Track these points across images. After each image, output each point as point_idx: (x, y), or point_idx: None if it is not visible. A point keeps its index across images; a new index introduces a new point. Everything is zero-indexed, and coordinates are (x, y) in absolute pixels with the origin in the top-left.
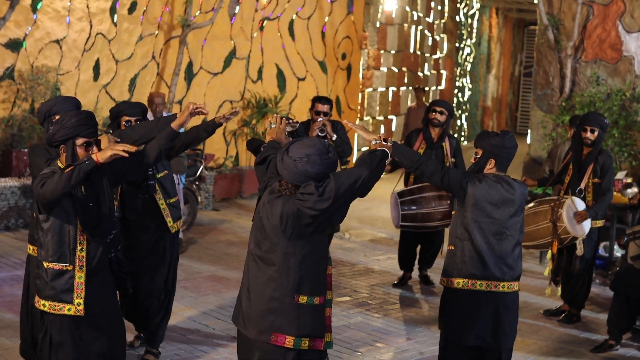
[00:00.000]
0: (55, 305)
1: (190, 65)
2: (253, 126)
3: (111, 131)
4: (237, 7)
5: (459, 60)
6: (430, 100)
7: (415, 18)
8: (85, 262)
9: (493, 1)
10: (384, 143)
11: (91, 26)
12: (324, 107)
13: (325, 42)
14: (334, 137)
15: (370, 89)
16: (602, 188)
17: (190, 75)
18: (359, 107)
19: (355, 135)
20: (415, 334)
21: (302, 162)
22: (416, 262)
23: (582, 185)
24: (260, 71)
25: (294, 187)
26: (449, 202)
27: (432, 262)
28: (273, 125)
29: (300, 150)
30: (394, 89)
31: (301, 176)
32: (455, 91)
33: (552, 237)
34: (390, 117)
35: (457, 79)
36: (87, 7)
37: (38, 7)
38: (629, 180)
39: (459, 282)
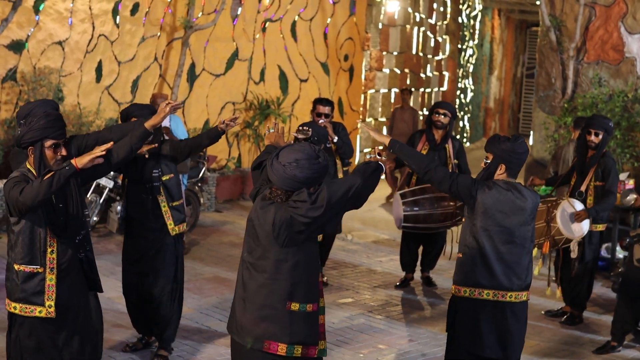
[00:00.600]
0: (26, 308)
1: (192, 66)
2: (255, 128)
3: None
4: (240, 9)
5: (462, 62)
6: (418, 102)
7: (417, 19)
8: (55, 264)
9: (495, 2)
10: (378, 157)
11: (93, 28)
12: (325, 109)
13: (327, 44)
14: (335, 138)
15: (372, 91)
16: (606, 190)
17: (192, 77)
18: (361, 109)
19: (357, 137)
20: (417, 336)
21: (291, 167)
22: (418, 263)
23: (583, 188)
24: (262, 73)
25: (284, 193)
26: (451, 203)
27: (434, 264)
28: (271, 130)
29: (289, 155)
30: (397, 90)
31: (290, 181)
32: (458, 92)
33: (545, 237)
34: None
35: (460, 80)
36: (90, 8)
37: (40, 8)
38: (631, 182)
39: (466, 291)
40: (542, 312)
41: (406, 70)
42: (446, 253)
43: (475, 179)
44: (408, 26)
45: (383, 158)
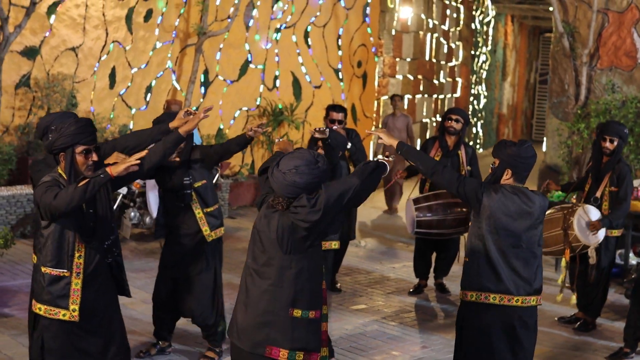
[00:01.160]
0: (50, 310)
1: (206, 73)
2: (269, 134)
3: None
4: (253, 15)
5: (475, 68)
6: (431, 109)
7: (430, 26)
8: (82, 269)
9: (508, 9)
10: (384, 159)
11: (107, 34)
12: (338, 115)
13: (340, 50)
14: (349, 145)
15: (385, 97)
16: (619, 197)
17: (206, 83)
18: (374, 115)
19: (370, 143)
20: (430, 342)
21: (291, 173)
22: (432, 270)
23: (598, 194)
24: (275, 79)
25: (285, 201)
26: (464, 209)
27: (447, 270)
28: (281, 139)
29: (289, 162)
30: (410, 96)
31: (290, 187)
32: (471, 99)
33: (563, 245)
34: None
35: (473, 86)
36: (103, 15)
37: (54, 14)
38: None
39: (472, 295)
40: (555, 319)
41: (419, 77)
42: (460, 259)
43: (482, 182)
44: (421, 32)
45: (390, 159)
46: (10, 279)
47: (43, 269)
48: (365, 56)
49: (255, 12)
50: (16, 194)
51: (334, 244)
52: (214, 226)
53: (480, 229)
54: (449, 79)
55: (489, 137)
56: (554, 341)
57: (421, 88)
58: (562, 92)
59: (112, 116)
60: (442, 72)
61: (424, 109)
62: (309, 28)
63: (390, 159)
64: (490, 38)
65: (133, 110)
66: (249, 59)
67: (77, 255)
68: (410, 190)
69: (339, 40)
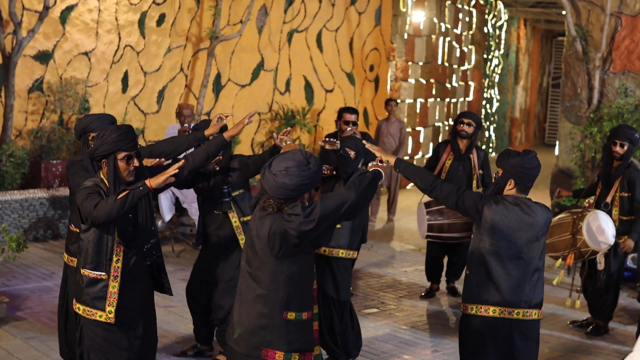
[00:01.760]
0: (88, 310)
1: (218, 77)
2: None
3: None
4: (265, 19)
5: (487, 72)
6: (443, 112)
7: (443, 30)
8: (120, 272)
9: (521, 12)
10: (380, 164)
11: (120, 38)
12: (351, 117)
13: (353, 54)
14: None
15: (398, 101)
16: (635, 205)
17: (218, 87)
18: None
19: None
20: (442, 346)
21: (281, 174)
22: (443, 273)
23: (609, 199)
24: (288, 83)
25: (277, 202)
26: None
27: (459, 274)
28: (289, 142)
29: (280, 163)
30: (422, 100)
31: (281, 189)
32: (484, 102)
33: (570, 250)
34: (418, 128)
35: (485, 90)
36: (116, 19)
37: (67, 19)
38: None
39: (472, 308)
40: (568, 323)
41: (432, 81)
42: None
43: (482, 194)
44: (434, 36)
45: (385, 164)
46: (23, 283)
47: (82, 271)
48: (377, 60)
49: (267, 16)
50: (29, 197)
51: (342, 252)
52: None
53: (482, 241)
54: (462, 83)
55: (501, 141)
56: (566, 345)
57: (433, 92)
58: (575, 95)
59: (124, 120)
60: (454, 75)
61: (437, 113)
62: (322, 32)
63: (385, 164)
64: (502, 42)
65: (145, 114)
66: (262, 63)
67: (115, 259)
68: (422, 195)
69: (351, 44)
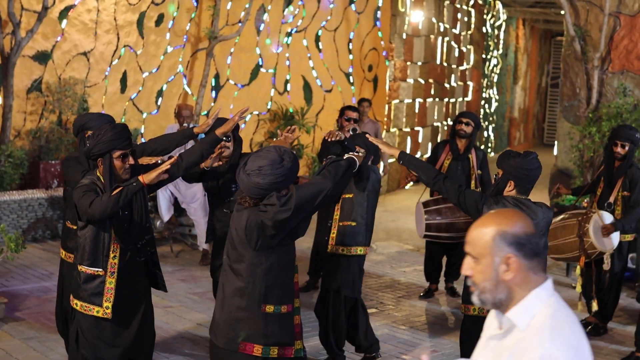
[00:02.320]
0: (85, 306)
1: (217, 77)
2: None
3: None
4: (264, 19)
5: (486, 72)
6: (442, 112)
7: (441, 29)
8: (116, 269)
9: (520, 12)
10: (354, 154)
11: (118, 38)
12: (353, 114)
13: (351, 54)
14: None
15: (396, 101)
16: (632, 202)
17: (217, 87)
18: (385, 119)
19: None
20: (441, 346)
21: (254, 174)
22: (442, 274)
23: (612, 199)
24: (286, 83)
25: (252, 200)
26: None
27: (458, 274)
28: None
29: (254, 162)
30: (421, 100)
31: (254, 189)
32: (482, 102)
33: (579, 252)
34: (417, 128)
35: (484, 90)
36: (115, 19)
37: (66, 19)
38: None
39: (475, 309)
40: None
41: (430, 81)
42: None
43: (483, 194)
44: (432, 36)
45: (360, 154)
46: (22, 283)
47: (79, 268)
48: (376, 60)
49: (266, 17)
50: (27, 198)
51: (360, 250)
52: None
53: None
54: (460, 83)
55: (500, 141)
56: None
57: (432, 92)
58: (574, 95)
59: (123, 120)
60: (453, 75)
61: (435, 113)
62: (320, 32)
63: (360, 154)
64: (501, 41)
65: (144, 115)
66: (260, 63)
67: (112, 255)
68: (421, 194)
69: (350, 44)
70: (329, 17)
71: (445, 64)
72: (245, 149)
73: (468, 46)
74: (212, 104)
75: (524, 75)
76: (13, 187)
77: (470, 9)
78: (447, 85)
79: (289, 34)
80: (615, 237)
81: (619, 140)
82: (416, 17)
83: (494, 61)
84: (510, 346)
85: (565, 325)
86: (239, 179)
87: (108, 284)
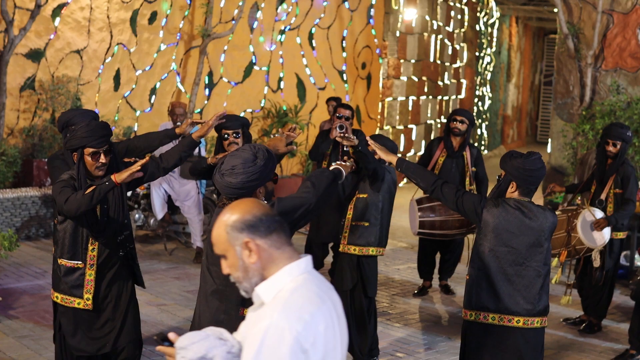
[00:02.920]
0: (66, 299)
1: (210, 75)
2: (273, 135)
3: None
4: (257, 17)
5: (479, 69)
6: (435, 110)
7: (435, 27)
8: (95, 261)
9: (513, 10)
10: (342, 163)
11: (111, 36)
12: (346, 112)
13: (345, 52)
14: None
15: (390, 98)
16: (624, 198)
17: (210, 85)
18: (379, 117)
19: None
20: (435, 344)
21: (227, 174)
22: (436, 271)
23: (603, 196)
24: (280, 81)
25: (229, 202)
26: None
27: (452, 271)
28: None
29: (228, 162)
30: (414, 98)
31: (227, 189)
32: (476, 100)
33: (564, 247)
34: (410, 126)
35: (477, 87)
36: (108, 17)
37: (59, 17)
38: None
39: (472, 314)
40: (561, 321)
41: (424, 78)
42: (463, 260)
43: (482, 197)
44: (425, 34)
45: (347, 164)
46: (15, 282)
47: (59, 261)
48: (369, 58)
49: (259, 14)
50: (21, 196)
51: (372, 250)
52: None
53: (481, 245)
54: (454, 81)
55: (493, 139)
56: (559, 343)
57: (425, 89)
58: (567, 93)
59: (116, 118)
60: (446, 73)
61: (429, 111)
62: (313, 30)
63: (348, 164)
64: (494, 39)
65: (137, 112)
66: (254, 61)
67: (90, 248)
68: (414, 191)
69: (343, 42)
70: (322, 15)
71: (438, 62)
72: None
73: (461, 44)
74: (206, 102)
75: (517, 73)
76: (6, 185)
77: (463, 6)
78: (440, 83)
79: (282, 32)
80: (606, 234)
81: (611, 139)
82: (409, 14)
83: (487, 59)
84: (254, 317)
85: (301, 301)
86: (214, 180)
87: (88, 275)
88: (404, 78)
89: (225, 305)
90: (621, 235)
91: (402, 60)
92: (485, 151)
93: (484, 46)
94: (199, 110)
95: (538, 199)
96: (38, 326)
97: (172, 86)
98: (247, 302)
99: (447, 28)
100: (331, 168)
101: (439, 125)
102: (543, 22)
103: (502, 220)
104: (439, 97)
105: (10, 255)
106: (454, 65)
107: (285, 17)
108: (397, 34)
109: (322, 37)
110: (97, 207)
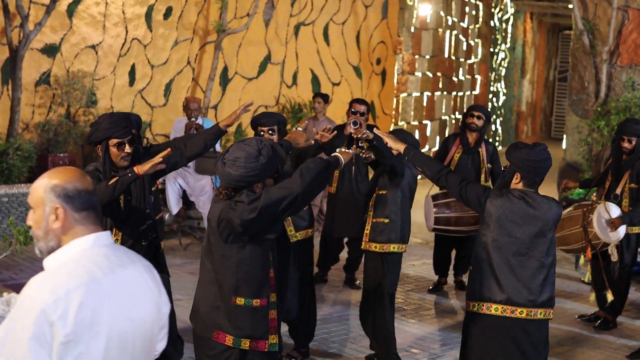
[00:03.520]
0: None
1: (225, 70)
2: (288, 130)
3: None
4: (272, 13)
5: (494, 65)
6: (450, 106)
7: (449, 23)
8: None
9: (527, 6)
10: (345, 151)
11: (127, 31)
12: (361, 107)
13: (359, 47)
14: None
15: (404, 94)
16: (639, 194)
17: (225, 81)
18: (393, 112)
19: None
20: (450, 340)
21: (229, 164)
22: (451, 267)
23: (618, 191)
24: (295, 76)
25: (227, 191)
26: None
27: (467, 268)
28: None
29: (233, 153)
30: (429, 94)
31: (226, 178)
32: (490, 96)
33: (584, 243)
34: (425, 122)
35: (492, 83)
36: (123, 12)
37: (74, 12)
38: None
39: (475, 305)
40: (576, 317)
41: (438, 74)
42: None
43: (486, 187)
44: (440, 30)
45: (350, 152)
46: (30, 276)
47: None
48: (384, 53)
49: (274, 10)
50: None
51: (393, 247)
52: (299, 227)
53: (485, 235)
54: (468, 77)
55: (507, 135)
56: (575, 339)
57: (440, 85)
58: (582, 89)
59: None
60: (461, 69)
61: (443, 107)
62: (328, 25)
63: (350, 151)
64: (509, 35)
65: (153, 108)
66: (269, 56)
67: (114, 239)
68: (430, 187)
69: (358, 37)
70: (337, 10)
71: (453, 58)
72: None
73: (476, 40)
74: (221, 97)
75: (531, 68)
76: (21, 180)
77: (478, 2)
78: (455, 79)
79: (297, 27)
80: (621, 229)
81: (626, 135)
82: (424, 10)
83: (501, 55)
84: None
85: (62, 275)
86: (217, 167)
87: None
88: (418, 74)
89: (221, 293)
90: (637, 230)
91: (416, 56)
92: (500, 147)
93: (499, 42)
94: (214, 105)
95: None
96: None
97: (187, 81)
98: (240, 291)
99: (461, 24)
100: (327, 157)
101: (453, 121)
102: (557, 18)
103: (505, 210)
104: (454, 93)
105: (25, 249)
106: (469, 61)
107: (300, 13)
108: (412, 29)
109: (337, 32)
110: (121, 198)
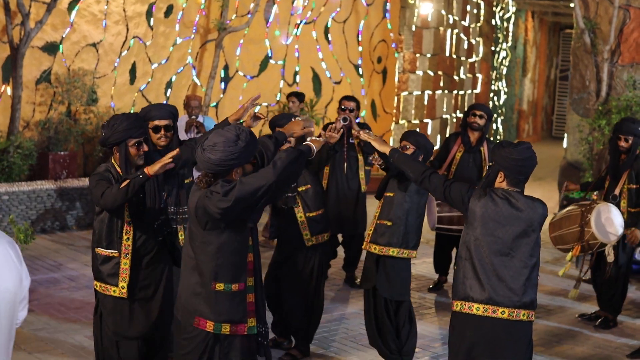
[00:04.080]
0: (104, 287)
1: (226, 68)
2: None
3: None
4: (273, 11)
5: (495, 64)
6: (451, 105)
7: (451, 21)
8: (130, 250)
9: (529, 5)
10: (315, 139)
11: (127, 30)
12: (350, 104)
13: (360, 46)
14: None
15: (405, 93)
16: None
17: (226, 79)
18: (394, 111)
19: (391, 139)
20: None
21: (209, 149)
22: (452, 266)
23: (617, 192)
24: (295, 75)
25: (207, 178)
26: None
27: None
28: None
29: (211, 139)
30: (430, 92)
31: (206, 164)
32: (491, 95)
33: (577, 242)
34: (425, 120)
35: (493, 82)
36: (124, 10)
37: (75, 10)
38: None
39: (458, 305)
40: (576, 316)
41: (439, 73)
42: None
43: (469, 186)
44: (441, 28)
45: (321, 139)
46: (30, 275)
47: (97, 250)
48: (385, 52)
49: (275, 8)
50: (36, 189)
51: (393, 251)
52: (315, 231)
53: (468, 235)
54: (469, 75)
55: (509, 134)
56: (575, 339)
57: (441, 84)
58: (583, 88)
59: (132, 111)
60: (462, 68)
61: (444, 105)
62: (329, 24)
63: (322, 139)
64: (510, 34)
65: None
66: (269, 55)
67: (125, 237)
68: None
69: (359, 36)
70: (338, 9)
71: (454, 56)
72: None
73: (477, 38)
74: (221, 96)
75: (532, 67)
76: (22, 178)
77: (479, 1)
78: (456, 78)
79: (298, 26)
80: (619, 229)
81: (622, 134)
82: (425, 9)
83: (503, 53)
84: None
85: None
86: (196, 153)
87: (123, 264)
88: (419, 72)
89: (201, 280)
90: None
91: (417, 55)
92: None
93: (500, 41)
94: (214, 104)
95: (554, 195)
96: (53, 319)
97: (188, 80)
98: (219, 277)
99: (463, 22)
100: (298, 146)
101: (454, 120)
102: (559, 16)
103: (488, 209)
104: (455, 92)
105: (25, 248)
106: (470, 60)
107: (301, 11)
108: (413, 28)
109: (338, 31)
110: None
